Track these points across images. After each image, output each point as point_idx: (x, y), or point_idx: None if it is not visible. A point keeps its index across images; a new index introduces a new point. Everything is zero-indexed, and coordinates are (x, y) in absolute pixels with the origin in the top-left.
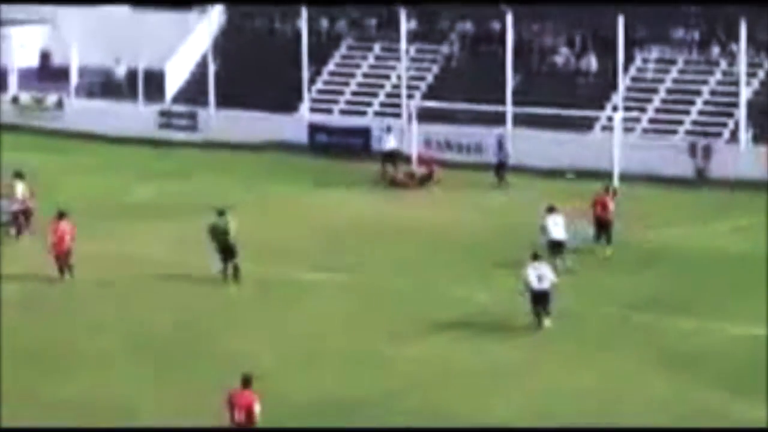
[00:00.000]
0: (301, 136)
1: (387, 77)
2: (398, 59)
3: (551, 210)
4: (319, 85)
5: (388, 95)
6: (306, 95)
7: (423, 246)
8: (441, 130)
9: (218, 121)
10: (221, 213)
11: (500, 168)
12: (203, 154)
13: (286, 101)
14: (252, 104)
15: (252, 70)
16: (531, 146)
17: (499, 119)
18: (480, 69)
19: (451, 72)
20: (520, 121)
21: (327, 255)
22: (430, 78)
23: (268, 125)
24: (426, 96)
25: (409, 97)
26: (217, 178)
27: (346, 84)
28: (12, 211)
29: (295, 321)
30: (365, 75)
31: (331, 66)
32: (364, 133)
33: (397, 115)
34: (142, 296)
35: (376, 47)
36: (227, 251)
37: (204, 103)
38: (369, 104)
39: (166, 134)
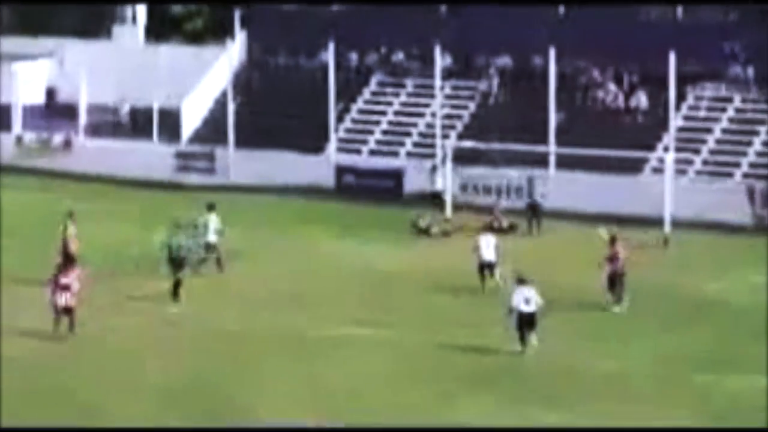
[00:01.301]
0: (328, 178)
1: (420, 115)
2: (432, 96)
3: (487, 228)
4: (347, 124)
5: (422, 135)
6: (333, 135)
7: (455, 296)
8: (477, 173)
9: (238, 163)
10: (177, 226)
11: (533, 212)
12: (222, 199)
13: (312, 141)
14: (275, 145)
15: (275, 108)
16: (575, 190)
17: (540, 160)
18: (520, 107)
19: (488, 110)
20: (563, 162)
21: (359, 308)
22: (466, 116)
23: (292, 167)
24: (462, 136)
25: (444, 137)
26: (237, 225)
27: (377, 123)
28: (206, 242)
29: (330, 379)
30: (397, 113)
31: (360, 103)
32: (396, 175)
33: (431, 156)
34: (166, 353)
35: (409, 83)
36: (175, 264)
37: (223, 143)
38: (401, 144)
39: (182, 177)
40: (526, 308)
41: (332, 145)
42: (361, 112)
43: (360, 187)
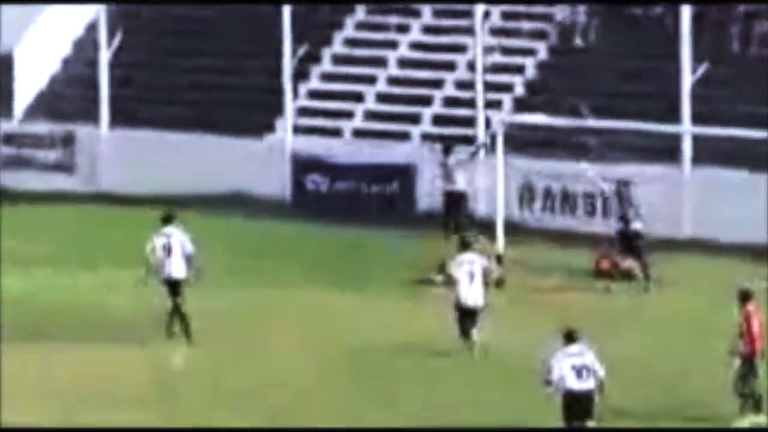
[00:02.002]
0: (278, 179)
1: (447, 67)
2: (470, 32)
3: (465, 246)
4: (313, 84)
5: (448, 102)
6: (289, 104)
7: (490, 390)
8: (548, 169)
9: (115, 154)
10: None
11: (627, 246)
12: (86, 218)
13: (251, 116)
14: (182, 122)
15: (183, 57)
16: (724, 203)
17: (666, 150)
18: (627, 53)
19: (570, 59)
20: (703, 151)
21: (334, 414)
22: (530, 70)
23: (214, 161)
24: (521, 105)
25: (490, 105)
26: (117, 268)
27: (368, 81)
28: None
29: None
30: (403, 63)
31: (337, 46)
32: (403, 173)
33: (467, 140)
34: None
35: (426, 11)
36: None
37: (89, 119)
38: (411, 120)
39: (14, 178)
40: (579, 384)
41: (288, 122)
42: (340, 61)
43: (337, 196)
